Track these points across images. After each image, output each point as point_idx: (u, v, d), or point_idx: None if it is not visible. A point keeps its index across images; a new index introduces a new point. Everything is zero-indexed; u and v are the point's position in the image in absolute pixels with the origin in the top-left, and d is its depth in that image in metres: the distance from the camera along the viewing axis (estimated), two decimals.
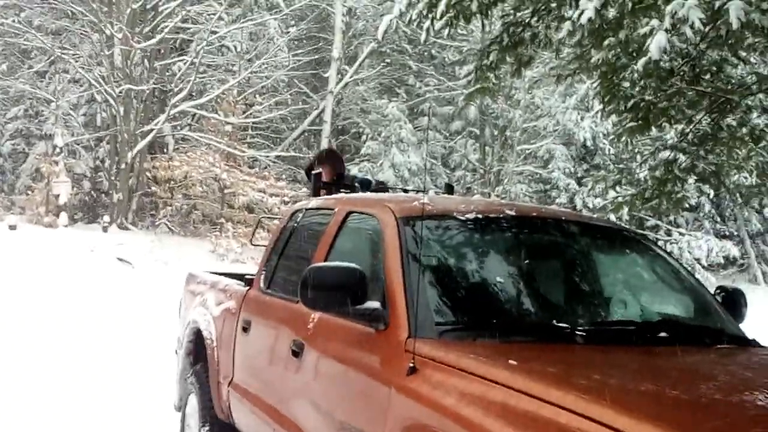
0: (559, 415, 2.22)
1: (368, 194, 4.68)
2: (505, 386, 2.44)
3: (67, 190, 23.34)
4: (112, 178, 24.90)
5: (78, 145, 26.21)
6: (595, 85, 8.35)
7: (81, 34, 25.57)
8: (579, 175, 25.37)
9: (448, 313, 3.16)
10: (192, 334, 5.59)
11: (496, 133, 26.99)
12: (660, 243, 22.94)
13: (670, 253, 3.97)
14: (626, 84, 7.55)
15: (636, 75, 7.28)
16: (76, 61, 24.60)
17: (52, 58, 25.52)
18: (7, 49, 27.56)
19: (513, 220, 3.59)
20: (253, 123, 26.46)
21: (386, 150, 25.51)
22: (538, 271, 3.45)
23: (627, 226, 4.64)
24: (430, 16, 7.74)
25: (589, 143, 24.65)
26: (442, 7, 7.59)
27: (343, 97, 27.90)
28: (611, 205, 9.94)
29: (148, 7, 24.74)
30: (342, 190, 5.12)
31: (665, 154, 9.04)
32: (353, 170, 26.64)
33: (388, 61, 28.44)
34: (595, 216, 13.79)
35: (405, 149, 25.48)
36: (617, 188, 10.88)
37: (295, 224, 4.66)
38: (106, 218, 23.71)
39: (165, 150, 26.11)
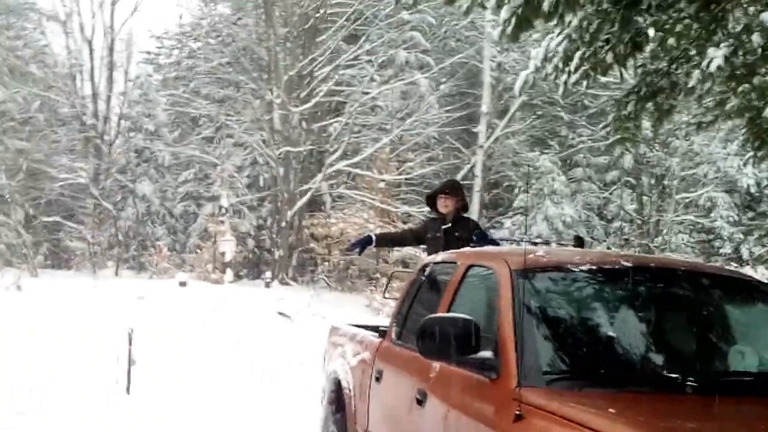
0: None
1: (489, 248, 4.81)
2: None
3: (232, 248, 24.65)
4: (274, 236, 26.09)
5: (242, 205, 27.70)
6: (743, 131, 8.12)
7: (244, 100, 27.24)
8: (743, 223, 24.20)
9: (556, 362, 3.23)
10: (332, 384, 5.85)
11: (653, 182, 26.25)
12: None
13: None
14: None
15: None
16: (240, 127, 26.19)
17: (218, 124, 27.29)
18: (179, 118, 29.72)
19: (626, 271, 3.62)
20: (406, 179, 27.03)
21: (539, 202, 25.33)
22: (648, 322, 3.45)
23: (754, 276, 4.50)
24: (566, 69, 7.82)
25: (753, 189, 23.52)
26: (576, 61, 7.65)
27: (494, 151, 28.03)
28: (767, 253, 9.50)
29: (304, 73, 26.03)
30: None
31: None
32: (506, 222, 26.65)
33: (539, 113, 28.39)
34: (720, 266, 13.14)
35: (558, 201, 25.21)
36: None
37: (423, 277, 4.85)
38: (268, 274, 24.79)
39: (322, 208, 27.11)
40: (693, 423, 2.62)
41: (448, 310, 4.01)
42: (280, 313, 20.22)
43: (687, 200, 24.72)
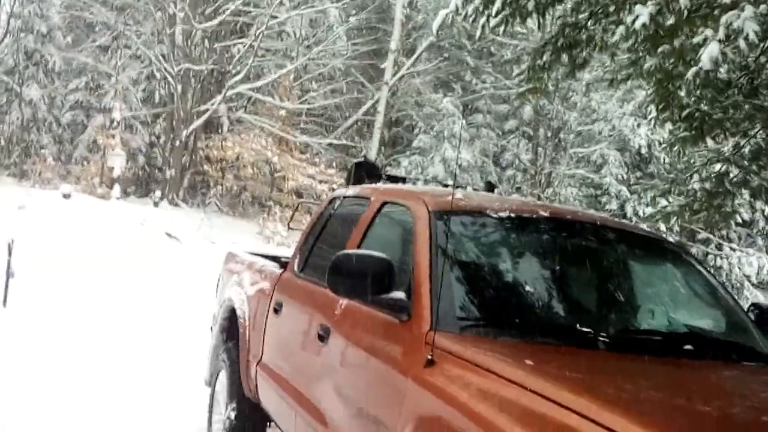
0: (570, 418, 2.21)
1: (405, 186, 4.69)
2: (518, 385, 2.44)
3: (121, 164, 23.79)
4: (166, 154, 25.31)
5: (135, 120, 26.67)
6: (650, 91, 8.25)
7: (145, 11, 26.01)
8: (631, 182, 25.01)
9: (471, 308, 3.16)
10: (226, 311, 5.67)
11: (549, 134, 26.74)
12: (710, 257, 22.53)
13: (704, 265, 3.91)
14: (682, 93, 7.43)
15: (691, 84, 7.17)
16: (138, 38, 25.04)
17: (115, 33, 26.00)
18: (73, 22, 28.15)
19: (547, 221, 3.57)
20: (308, 109, 26.65)
21: (438, 144, 25.46)
22: (567, 275, 3.43)
23: (665, 236, 4.57)
24: (486, 13, 7.71)
25: (644, 151, 24.29)
26: (498, 4, 7.56)
27: (398, 89, 27.90)
28: (660, 214, 9.78)
29: None
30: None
31: (717, 166, 8.88)
32: (403, 162, 26.70)
33: (445, 55, 28.34)
34: (635, 224, 13.59)
35: (457, 145, 25.38)
36: (669, 198, 10.71)
37: (333, 211, 4.70)
38: (158, 193, 24.10)
39: (219, 130, 26.44)
40: (606, 378, 2.60)
41: (359, 247, 3.88)
42: (168, 234, 19.73)
43: (580, 155, 25.32)
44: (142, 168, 27.20)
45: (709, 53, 4.65)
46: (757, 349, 3.43)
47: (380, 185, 4.57)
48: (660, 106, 7.92)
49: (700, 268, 3.79)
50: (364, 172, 5.06)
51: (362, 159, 5.39)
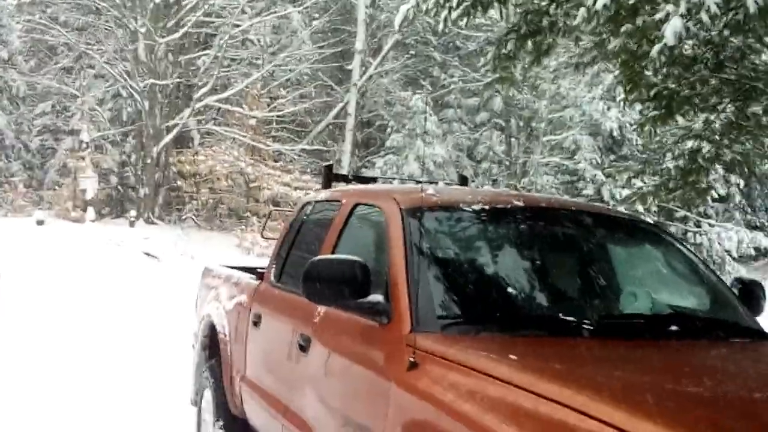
0: (558, 411, 2.15)
1: (375, 186, 4.61)
2: (503, 382, 2.37)
3: (93, 186, 23.57)
4: (139, 173, 25.11)
5: (105, 140, 26.44)
6: (617, 73, 8.22)
7: (106, 29, 25.85)
8: (606, 166, 25.07)
9: (451, 306, 3.08)
10: (206, 328, 5.58)
11: (521, 124, 26.80)
12: (689, 234, 22.64)
13: (684, 244, 3.87)
14: (649, 72, 7.41)
15: (657, 63, 7.14)
16: (101, 57, 24.82)
17: (78, 54, 25.75)
18: (35, 46, 27.87)
19: (520, 210, 3.51)
20: (278, 116, 26.51)
21: (411, 142, 25.41)
22: (545, 264, 3.35)
23: (640, 216, 4.53)
24: (447, 5, 7.66)
25: (616, 134, 24.33)
26: None
27: (367, 90, 27.83)
28: (636, 195, 9.77)
29: (171, 1, 24.86)
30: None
31: (689, 143, 8.87)
32: (378, 162, 26.64)
33: (412, 52, 28.34)
34: (611, 207, 13.60)
35: (430, 141, 25.36)
36: (643, 179, 10.71)
37: (305, 217, 4.61)
38: (133, 213, 23.91)
39: (190, 144, 26.26)
40: (591, 367, 2.53)
41: (333, 252, 3.81)
42: (146, 253, 19.55)
43: (553, 142, 25.35)
44: (115, 188, 26.96)
45: (672, 28, 4.61)
46: (743, 324, 3.38)
47: (350, 187, 4.49)
48: (628, 87, 7.88)
49: (679, 246, 3.74)
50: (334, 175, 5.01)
51: (331, 163, 5.32)
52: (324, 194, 4.58)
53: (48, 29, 26.24)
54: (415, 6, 8.10)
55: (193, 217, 25.26)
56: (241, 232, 23.15)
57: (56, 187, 25.28)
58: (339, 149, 26.55)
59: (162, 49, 24.58)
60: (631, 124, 22.58)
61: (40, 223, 21.04)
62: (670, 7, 4.68)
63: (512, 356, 2.51)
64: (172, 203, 26.29)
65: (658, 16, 4.84)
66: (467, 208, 3.45)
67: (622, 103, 9.58)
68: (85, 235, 20.03)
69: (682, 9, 4.54)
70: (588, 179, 24.51)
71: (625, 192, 20.56)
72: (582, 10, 5.51)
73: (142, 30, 23.67)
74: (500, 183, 26.06)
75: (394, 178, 21.66)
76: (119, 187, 27.12)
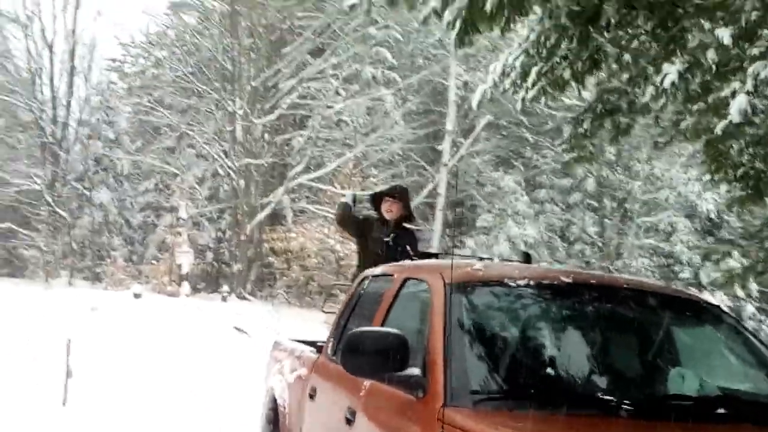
0: None
1: (428, 261, 4.62)
2: None
3: (189, 261, 24.24)
4: (233, 249, 25.74)
5: (202, 217, 27.32)
6: (701, 152, 8.05)
7: (206, 111, 26.92)
8: (704, 248, 24.29)
9: (486, 382, 3.03)
10: (270, 401, 5.63)
11: (615, 205, 26.34)
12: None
13: (742, 324, 3.69)
14: (733, 152, 7.23)
15: (742, 142, 6.99)
16: (202, 137, 25.84)
17: (180, 134, 26.92)
18: (141, 127, 29.29)
19: (566, 287, 3.45)
20: None
21: (501, 222, 25.28)
22: (585, 341, 3.26)
23: (698, 295, 4.36)
24: (523, 85, 7.71)
25: (713, 215, 23.67)
26: (533, 76, 7.54)
27: (458, 170, 27.93)
28: (723, 278, 9.44)
29: (268, 84, 25.81)
30: None
31: None
32: (468, 242, 26.53)
33: (504, 133, 28.41)
34: (663, 285, 13.08)
35: (521, 222, 25.18)
36: (730, 261, 10.35)
37: (362, 291, 4.65)
38: (226, 288, 24.42)
39: (283, 222, 26.81)
40: None
41: (382, 325, 3.82)
42: (237, 328, 19.84)
43: (648, 224, 24.80)
44: (211, 264, 27.70)
45: (737, 105, 4.52)
46: None
47: (405, 263, 4.52)
48: (713, 167, 7.71)
49: (735, 324, 3.58)
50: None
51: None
52: (379, 269, 4.62)
53: (153, 111, 27.61)
54: (492, 86, 8.19)
55: (284, 293, 25.63)
56: (325, 306, 23.26)
57: (154, 262, 26.16)
58: (429, 228, 26.61)
59: (258, 129, 25.45)
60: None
61: (137, 296, 21.68)
62: (736, 84, 4.60)
63: None
64: (264, 279, 26.77)
65: (725, 93, 4.76)
66: (512, 284, 3.42)
67: (708, 183, 9.34)
68: (179, 309, 20.51)
69: (749, 86, 4.46)
70: (684, 262, 23.81)
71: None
72: (650, 87, 5.47)
73: (240, 112, 24.63)
74: (593, 265, 25.53)
75: (482, 258, 21.43)
76: (214, 262, 27.85)
